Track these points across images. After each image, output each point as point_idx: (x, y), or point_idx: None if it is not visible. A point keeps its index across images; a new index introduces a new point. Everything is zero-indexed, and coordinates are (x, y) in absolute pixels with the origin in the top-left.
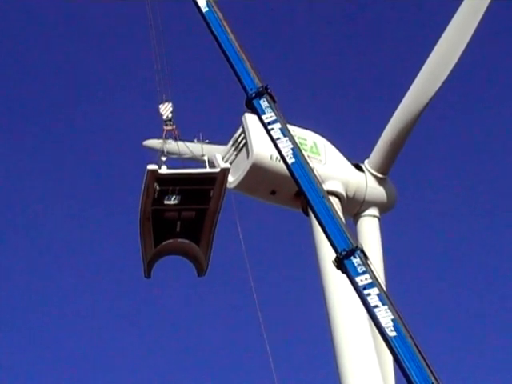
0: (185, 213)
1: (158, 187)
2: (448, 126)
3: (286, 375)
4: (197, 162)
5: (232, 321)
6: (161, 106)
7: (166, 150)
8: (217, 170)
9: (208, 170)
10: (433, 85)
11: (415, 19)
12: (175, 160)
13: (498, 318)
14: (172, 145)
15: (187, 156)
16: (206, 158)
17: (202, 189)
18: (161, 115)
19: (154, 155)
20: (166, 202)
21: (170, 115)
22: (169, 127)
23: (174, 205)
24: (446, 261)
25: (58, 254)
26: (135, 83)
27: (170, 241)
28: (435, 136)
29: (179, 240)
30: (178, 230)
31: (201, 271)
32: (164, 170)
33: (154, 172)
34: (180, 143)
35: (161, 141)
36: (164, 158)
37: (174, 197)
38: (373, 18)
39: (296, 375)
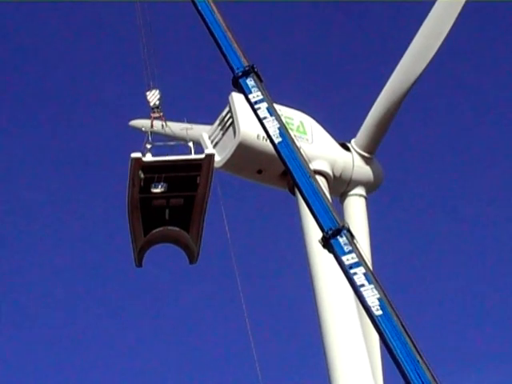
0: (173, 200)
1: (142, 175)
2: (434, 106)
3: (273, 359)
4: (183, 144)
5: (222, 305)
6: (148, 93)
7: (150, 138)
8: (202, 156)
9: (193, 156)
10: (419, 64)
11: (401, 2)
12: (161, 147)
13: (484, 295)
14: (159, 127)
15: (173, 136)
16: (191, 145)
17: (189, 175)
18: (148, 102)
19: (141, 136)
20: (154, 190)
21: (157, 102)
22: (156, 114)
23: (162, 192)
24: (431, 240)
25: (43, 244)
26: (123, 64)
27: (160, 229)
28: (421, 116)
29: (169, 228)
30: (167, 217)
31: (192, 258)
32: (149, 157)
33: (139, 160)
34: (167, 128)
35: (148, 121)
36: (149, 146)
37: (160, 184)
38: (360, 2)
39: (282, 357)
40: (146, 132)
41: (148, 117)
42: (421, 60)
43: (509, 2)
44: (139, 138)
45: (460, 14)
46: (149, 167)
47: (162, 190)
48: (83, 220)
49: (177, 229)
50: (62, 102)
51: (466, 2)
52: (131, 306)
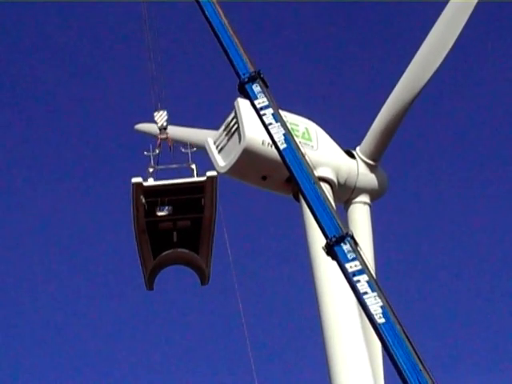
0: (180, 222)
1: (143, 200)
2: (440, 114)
3: (275, 364)
4: (185, 167)
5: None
6: (156, 113)
7: (153, 162)
8: (203, 178)
9: (194, 179)
10: (425, 72)
11: (408, 7)
12: (164, 171)
13: (487, 304)
14: (165, 135)
15: (179, 140)
16: (193, 167)
17: (193, 198)
18: (156, 123)
19: (147, 140)
20: (159, 214)
21: (164, 123)
22: (163, 136)
23: (167, 215)
24: (436, 248)
25: (47, 263)
26: (128, 69)
27: (169, 251)
28: (427, 123)
29: (178, 250)
30: (175, 240)
31: (204, 279)
32: (150, 182)
33: (139, 185)
34: (172, 129)
35: (153, 125)
36: (151, 170)
37: (165, 208)
38: (366, 6)
39: (285, 363)
40: (148, 155)
41: (151, 121)
42: (428, 67)
43: None
44: (145, 143)
45: (469, 20)
46: (151, 191)
47: (167, 213)
48: (88, 233)
49: (186, 251)
50: (64, 105)
51: (475, 7)
52: (142, 327)
